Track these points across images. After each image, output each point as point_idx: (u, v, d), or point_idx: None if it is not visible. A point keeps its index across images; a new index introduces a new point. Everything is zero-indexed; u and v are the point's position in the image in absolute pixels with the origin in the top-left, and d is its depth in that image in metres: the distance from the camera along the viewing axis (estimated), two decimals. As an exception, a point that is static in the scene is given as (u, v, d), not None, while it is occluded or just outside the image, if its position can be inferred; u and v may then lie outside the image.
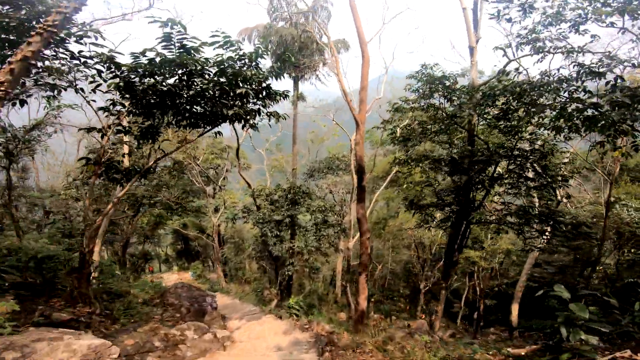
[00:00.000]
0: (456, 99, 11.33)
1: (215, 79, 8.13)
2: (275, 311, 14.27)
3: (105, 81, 7.91)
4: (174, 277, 32.08)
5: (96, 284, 10.40)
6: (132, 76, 7.87)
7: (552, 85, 8.62)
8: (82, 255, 6.91)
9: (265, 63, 25.82)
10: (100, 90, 8.79)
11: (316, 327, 11.33)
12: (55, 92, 8.22)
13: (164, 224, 29.58)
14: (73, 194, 18.69)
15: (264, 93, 9.11)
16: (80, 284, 6.81)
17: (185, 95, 8.75)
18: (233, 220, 30.50)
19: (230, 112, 8.24)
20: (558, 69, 9.34)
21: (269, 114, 9.18)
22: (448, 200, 11.75)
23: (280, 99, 9.30)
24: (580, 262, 20.43)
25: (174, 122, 9.64)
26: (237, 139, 20.15)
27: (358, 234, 18.54)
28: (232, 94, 8.53)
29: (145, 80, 7.95)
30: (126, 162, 13.93)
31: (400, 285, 27.71)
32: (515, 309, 21.85)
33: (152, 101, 8.72)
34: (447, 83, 11.17)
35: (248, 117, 9.25)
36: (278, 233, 16.31)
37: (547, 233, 12.71)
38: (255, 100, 9.15)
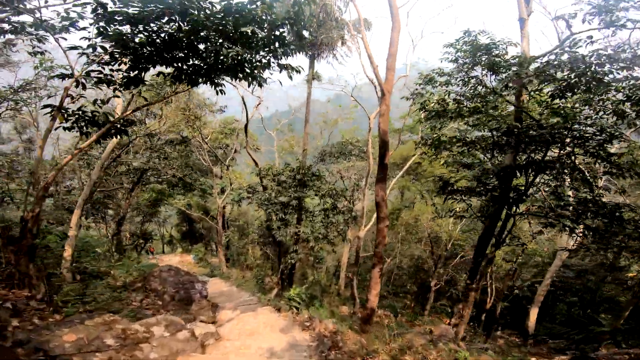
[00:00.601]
0: (504, 71, 9.44)
1: (217, 21, 6.35)
2: (275, 302, 12.65)
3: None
4: (176, 259, 30.95)
5: (69, 261, 8.87)
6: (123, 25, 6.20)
7: (626, 62, 6.94)
8: (23, 222, 5.26)
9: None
10: (74, 28, 7.13)
11: (318, 325, 9.65)
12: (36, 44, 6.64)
13: (165, 202, 28.19)
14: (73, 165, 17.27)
15: (277, 44, 7.31)
16: (18, 260, 5.18)
17: (184, 46, 7.06)
18: (238, 202, 29.06)
19: (231, 54, 6.41)
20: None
21: (281, 65, 7.34)
22: (490, 184, 9.77)
23: (292, 72, 7.49)
24: (604, 267, 18.40)
25: (167, 76, 8.01)
26: (247, 114, 18.43)
27: (370, 223, 16.84)
28: (235, 35, 6.71)
29: (140, 28, 6.27)
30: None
31: (407, 282, 25.92)
32: (534, 313, 19.89)
33: (146, 53, 7.05)
34: (496, 52, 9.29)
35: (255, 70, 7.48)
36: (283, 216, 14.63)
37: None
38: (265, 49, 7.37)
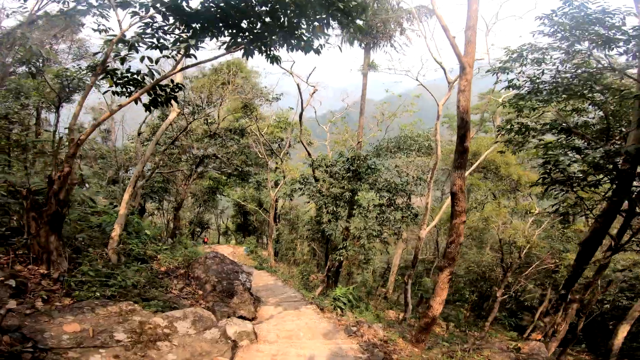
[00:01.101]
0: (624, 45, 7.43)
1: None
2: (319, 300, 11.55)
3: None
4: (229, 250, 31.35)
5: (116, 242, 8.49)
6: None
7: None
8: (49, 184, 4.61)
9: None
10: None
11: (366, 331, 8.29)
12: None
13: (222, 191, 28.51)
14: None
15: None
16: (38, 230, 4.56)
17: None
18: (290, 196, 28.48)
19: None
20: None
21: (341, 16, 6.04)
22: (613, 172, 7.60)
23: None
24: None
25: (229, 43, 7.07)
26: (301, 102, 17.59)
27: (434, 222, 14.95)
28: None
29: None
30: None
31: (464, 290, 23.30)
32: (623, 331, 16.54)
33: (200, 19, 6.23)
34: (610, 22, 7.32)
35: (311, 35, 6.32)
36: (335, 209, 13.45)
37: None
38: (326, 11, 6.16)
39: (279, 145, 32.10)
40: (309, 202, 17.14)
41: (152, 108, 6.83)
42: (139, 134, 16.46)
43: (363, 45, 23.66)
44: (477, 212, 19.48)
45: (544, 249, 16.17)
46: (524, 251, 16.27)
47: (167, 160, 16.86)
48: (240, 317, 8.53)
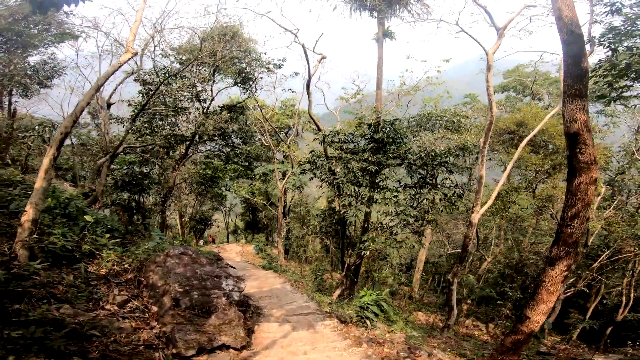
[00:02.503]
0: None
1: None
2: (338, 307, 8.33)
3: None
4: (237, 249, 28.65)
5: (27, 231, 5.32)
6: None
7: None
8: None
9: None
10: None
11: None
12: None
13: (226, 185, 25.38)
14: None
15: None
16: None
17: None
18: (300, 187, 25.34)
19: None
20: None
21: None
22: None
23: None
24: None
25: None
26: (308, 69, 14.29)
27: (490, 201, 11.33)
28: None
29: None
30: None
31: (505, 286, 19.57)
32: None
33: None
34: None
35: None
36: (357, 188, 10.14)
37: None
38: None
39: (285, 133, 28.99)
40: (321, 187, 13.83)
41: None
42: (109, 105, 13.28)
43: (375, 14, 20.32)
44: (523, 193, 15.69)
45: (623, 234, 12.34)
46: (591, 239, 12.57)
47: (138, 134, 13.46)
48: (221, 346, 5.28)
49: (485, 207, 10.71)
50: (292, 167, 22.31)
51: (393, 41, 20.00)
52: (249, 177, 29.80)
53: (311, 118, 14.23)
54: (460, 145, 10.98)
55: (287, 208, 27.61)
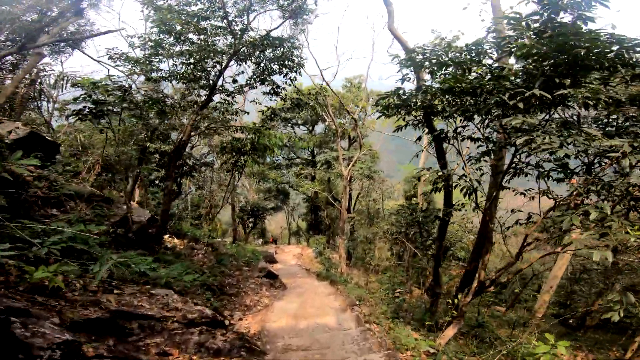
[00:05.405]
0: None
1: None
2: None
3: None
4: (297, 251, 25.10)
5: None
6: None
7: None
8: None
9: None
10: None
11: None
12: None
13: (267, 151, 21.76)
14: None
15: None
16: None
17: None
18: (369, 177, 20.18)
19: None
20: None
21: None
22: None
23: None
24: None
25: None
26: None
27: None
28: None
29: None
30: None
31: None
32: None
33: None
34: None
35: None
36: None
37: None
38: None
39: (352, 118, 24.71)
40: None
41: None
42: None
43: None
44: None
45: None
46: None
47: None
48: None
49: None
50: (360, 147, 17.59)
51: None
52: (310, 165, 26.00)
53: (392, 34, 9.08)
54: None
55: (352, 204, 22.74)
